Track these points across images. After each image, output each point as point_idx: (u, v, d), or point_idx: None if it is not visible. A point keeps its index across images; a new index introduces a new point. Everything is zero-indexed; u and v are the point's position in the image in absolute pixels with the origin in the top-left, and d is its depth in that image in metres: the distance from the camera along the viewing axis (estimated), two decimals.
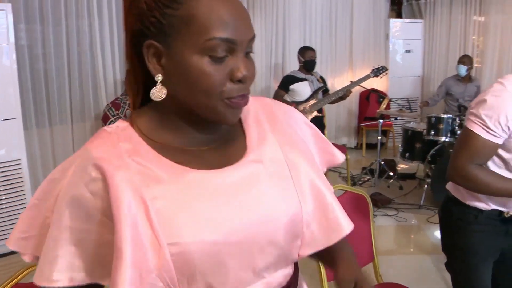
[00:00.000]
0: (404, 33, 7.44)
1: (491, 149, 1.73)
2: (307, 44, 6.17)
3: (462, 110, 4.96)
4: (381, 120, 5.49)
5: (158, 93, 0.82)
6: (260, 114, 0.99)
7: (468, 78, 5.79)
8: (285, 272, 0.93)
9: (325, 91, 5.21)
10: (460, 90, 5.76)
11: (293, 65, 6.34)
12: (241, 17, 0.80)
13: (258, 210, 0.85)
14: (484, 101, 1.70)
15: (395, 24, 7.42)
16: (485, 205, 1.83)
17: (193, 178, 0.82)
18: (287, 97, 5.11)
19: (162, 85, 0.82)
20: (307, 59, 5.06)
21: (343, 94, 4.97)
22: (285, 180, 0.90)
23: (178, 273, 0.77)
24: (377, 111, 5.62)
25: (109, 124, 3.44)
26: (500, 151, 1.77)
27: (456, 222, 1.91)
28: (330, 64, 6.97)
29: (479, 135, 1.70)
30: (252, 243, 0.84)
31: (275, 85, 6.34)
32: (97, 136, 0.85)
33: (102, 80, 4.55)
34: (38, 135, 4.29)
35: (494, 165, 1.81)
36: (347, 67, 7.22)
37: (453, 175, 1.80)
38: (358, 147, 7.45)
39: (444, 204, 2.02)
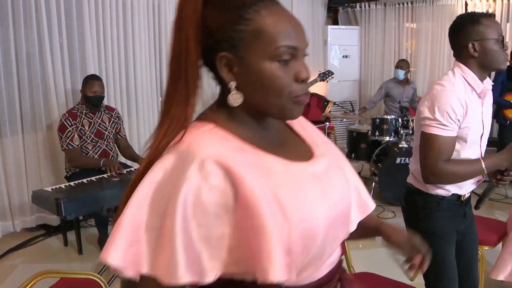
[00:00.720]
0: (341, 39, 7.77)
1: (452, 143, 1.94)
2: None
3: (404, 111, 5.24)
4: (327, 123, 5.71)
5: (235, 98, 0.93)
6: (299, 119, 1.13)
7: (406, 81, 6.15)
8: (340, 245, 1.11)
9: None
10: (399, 92, 6.10)
11: None
12: (299, 29, 0.94)
13: (340, 192, 1.03)
14: (432, 104, 1.92)
15: (333, 31, 7.73)
16: (445, 191, 2.04)
17: (297, 168, 0.96)
18: None
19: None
20: None
21: None
22: (339, 169, 1.08)
23: (302, 246, 0.89)
24: (323, 114, 5.84)
25: (67, 134, 3.36)
26: None
27: (421, 210, 2.11)
28: None
29: (438, 135, 1.91)
30: (340, 218, 1.01)
31: None
32: (194, 134, 0.91)
33: (53, 89, 4.40)
34: None
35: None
36: None
37: (428, 176, 1.98)
38: None
39: (407, 196, 2.21)
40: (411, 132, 5.07)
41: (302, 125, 1.14)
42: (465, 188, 2.06)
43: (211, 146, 0.88)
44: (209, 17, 0.91)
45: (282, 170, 0.92)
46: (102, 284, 1.74)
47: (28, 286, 1.56)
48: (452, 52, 2.05)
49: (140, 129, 5.33)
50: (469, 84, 1.95)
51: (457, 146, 1.98)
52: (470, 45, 1.91)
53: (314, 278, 0.99)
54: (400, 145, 4.97)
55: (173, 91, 0.94)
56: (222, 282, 0.90)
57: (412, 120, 5.11)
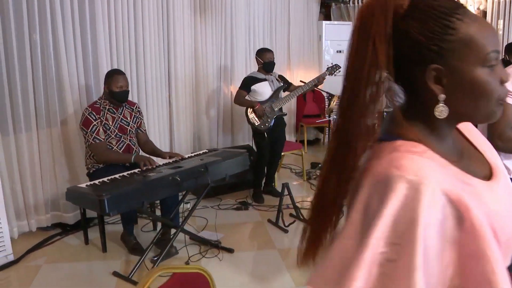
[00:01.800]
0: (335, 34, 7.85)
1: None
2: (251, 47, 6.31)
3: None
4: (334, 117, 5.76)
5: (442, 111, 0.93)
6: (468, 125, 1.15)
7: None
8: None
9: (286, 88, 5.37)
10: None
11: (240, 67, 6.45)
12: (495, 31, 0.95)
13: None
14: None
15: (327, 26, 7.83)
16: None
17: (494, 190, 0.97)
18: (248, 98, 5.19)
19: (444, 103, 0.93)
20: (267, 61, 5.15)
21: (313, 86, 5.30)
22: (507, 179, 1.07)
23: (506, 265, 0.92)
24: (328, 107, 5.88)
25: (92, 128, 3.32)
26: None
27: None
28: None
29: (510, 104, 2.09)
30: None
31: (224, 86, 6.40)
32: (416, 161, 0.89)
33: (67, 84, 4.28)
34: (3, 144, 3.98)
35: None
36: (286, 66, 7.44)
37: (496, 142, 2.11)
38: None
39: None
40: None
41: (470, 132, 1.15)
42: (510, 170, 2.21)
43: (436, 175, 0.87)
44: (411, 30, 0.91)
45: (486, 193, 0.94)
46: (209, 279, 1.72)
47: (146, 285, 1.53)
48: None
49: (150, 123, 5.26)
50: None
51: None
52: None
53: None
54: None
55: (347, 106, 0.96)
56: None
57: None
